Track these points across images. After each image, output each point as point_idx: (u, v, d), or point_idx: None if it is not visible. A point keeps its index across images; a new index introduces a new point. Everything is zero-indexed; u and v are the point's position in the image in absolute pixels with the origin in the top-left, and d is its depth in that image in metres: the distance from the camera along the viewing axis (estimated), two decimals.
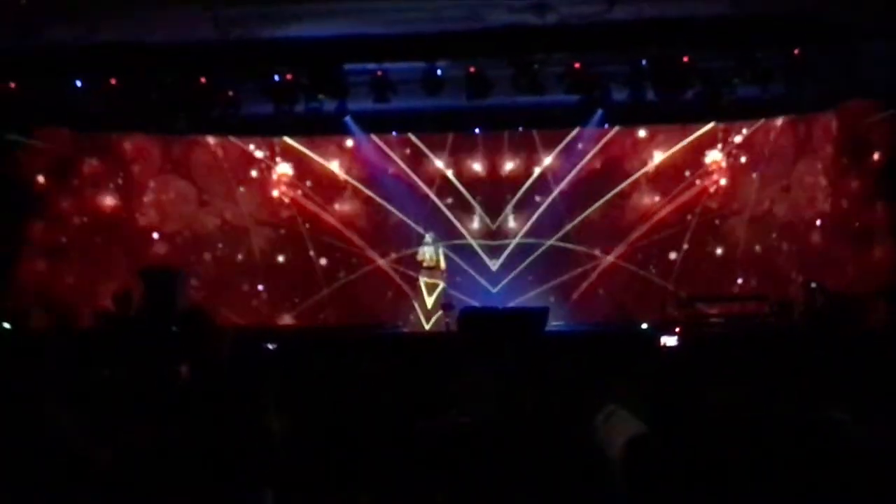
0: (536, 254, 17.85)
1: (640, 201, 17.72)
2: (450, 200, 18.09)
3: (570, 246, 17.81)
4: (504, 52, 13.84)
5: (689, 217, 17.48)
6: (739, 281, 17.10)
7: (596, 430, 4.63)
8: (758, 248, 17.02)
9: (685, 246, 17.50)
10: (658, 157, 17.59)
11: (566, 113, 16.25)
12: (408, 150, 18.15)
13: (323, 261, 18.15)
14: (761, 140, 17.00)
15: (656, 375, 6.19)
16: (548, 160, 17.91)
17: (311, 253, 18.14)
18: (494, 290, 17.77)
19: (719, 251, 17.37)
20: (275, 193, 18.16)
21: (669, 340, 12.54)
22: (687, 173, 17.51)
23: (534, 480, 4.02)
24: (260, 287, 18.04)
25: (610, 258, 17.73)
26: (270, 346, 10.87)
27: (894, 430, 4.17)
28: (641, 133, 17.63)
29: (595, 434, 4.57)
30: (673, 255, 17.56)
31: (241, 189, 18.03)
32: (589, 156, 17.70)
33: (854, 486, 3.78)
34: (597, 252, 17.79)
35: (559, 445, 4.31)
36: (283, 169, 18.18)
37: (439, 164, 18.08)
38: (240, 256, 18.02)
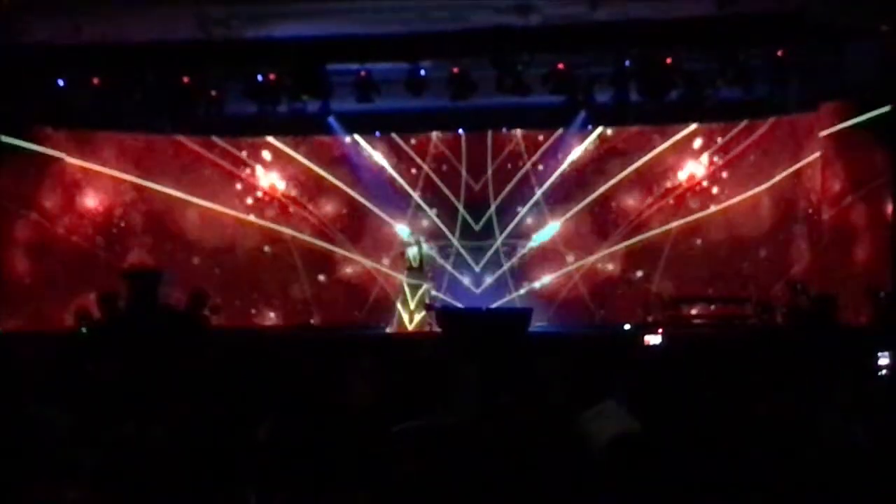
0: (520, 255, 17.83)
1: (624, 202, 17.71)
2: (433, 201, 18.05)
3: (553, 247, 17.80)
4: (488, 53, 13.85)
5: (671, 218, 17.48)
6: (722, 282, 17.10)
7: (582, 424, 4.64)
8: (740, 248, 17.03)
9: (668, 247, 17.48)
10: (641, 158, 17.57)
11: (550, 114, 16.27)
12: (391, 151, 18.11)
13: (306, 261, 18.08)
14: (744, 141, 17.02)
15: (640, 375, 6.21)
16: (531, 161, 17.88)
17: (295, 253, 18.08)
18: (478, 291, 17.75)
19: (702, 252, 17.35)
20: (257, 193, 18.08)
21: (653, 339, 12.55)
22: (670, 175, 17.50)
23: (517, 478, 4.03)
24: (244, 288, 17.95)
25: (592, 259, 17.72)
26: (254, 348, 10.86)
27: (878, 427, 4.20)
28: (625, 134, 17.61)
29: (581, 429, 4.58)
30: (656, 257, 17.55)
31: (224, 189, 17.97)
32: (572, 156, 17.69)
33: (839, 482, 3.80)
34: (580, 253, 17.76)
35: (542, 444, 4.32)
36: (266, 169, 18.11)
37: (422, 164, 18.04)
38: (222, 257, 17.93)
